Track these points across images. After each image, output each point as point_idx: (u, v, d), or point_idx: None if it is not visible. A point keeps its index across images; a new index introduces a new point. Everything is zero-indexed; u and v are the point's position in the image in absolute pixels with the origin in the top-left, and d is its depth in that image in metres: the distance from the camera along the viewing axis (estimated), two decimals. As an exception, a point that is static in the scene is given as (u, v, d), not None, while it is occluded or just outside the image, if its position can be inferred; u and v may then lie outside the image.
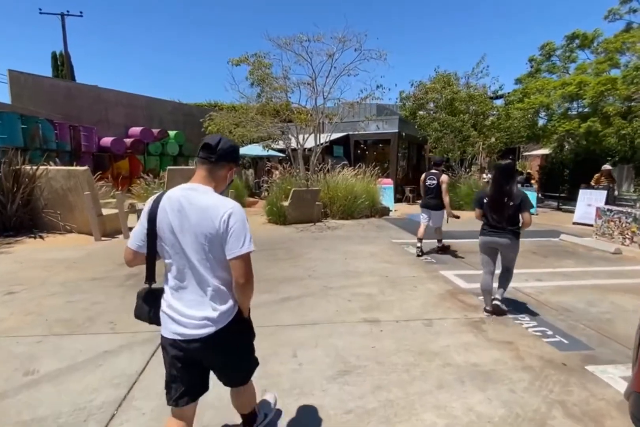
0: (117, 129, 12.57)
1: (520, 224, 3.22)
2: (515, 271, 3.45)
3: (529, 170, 19.78)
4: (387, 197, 11.62)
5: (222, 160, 1.40)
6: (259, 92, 10.01)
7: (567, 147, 14.21)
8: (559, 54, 16.82)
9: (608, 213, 7.09)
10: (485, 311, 3.38)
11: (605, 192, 9.01)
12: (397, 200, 14.35)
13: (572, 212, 10.50)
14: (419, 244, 5.64)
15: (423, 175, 5.79)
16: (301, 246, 6.13)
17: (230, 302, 1.39)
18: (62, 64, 24.90)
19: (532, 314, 3.38)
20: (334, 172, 9.95)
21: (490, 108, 12.66)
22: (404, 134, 14.74)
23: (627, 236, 6.62)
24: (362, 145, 16.04)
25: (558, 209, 13.30)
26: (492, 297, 3.34)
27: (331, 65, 9.45)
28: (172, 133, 13.54)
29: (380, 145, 15.79)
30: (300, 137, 10.27)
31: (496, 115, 12.95)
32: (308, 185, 9.20)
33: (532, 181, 16.65)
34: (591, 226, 8.86)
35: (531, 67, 17.49)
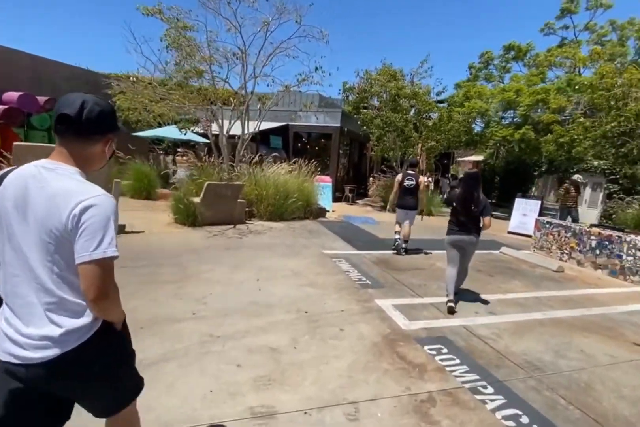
0: (-17, 92, 9.64)
1: (481, 225, 3.71)
2: (464, 294, 3.94)
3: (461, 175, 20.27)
4: (325, 197, 10.55)
5: (91, 133, 1.06)
6: (177, 61, 8.13)
7: (502, 153, 14.50)
8: (496, 63, 17.36)
9: (547, 226, 6.77)
10: (448, 301, 3.61)
11: (539, 203, 8.93)
12: (336, 200, 13.42)
13: (504, 219, 10.49)
14: (398, 236, 5.86)
15: (399, 176, 5.90)
16: (203, 259, 4.67)
17: (86, 319, 1.04)
18: None
19: (497, 381, 2.42)
20: (266, 165, 8.53)
21: (433, 108, 12.24)
22: (346, 129, 13.80)
23: (565, 251, 6.32)
24: (302, 139, 14.79)
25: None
26: (449, 298, 3.64)
27: (265, 38, 7.97)
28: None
29: (322, 140, 14.70)
30: (226, 122, 8.65)
31: (438, 117, 12.59)
32: (230, 179, 7.68)
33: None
34: (526, 236, 8.73)
35: (470, 74, 17.84)
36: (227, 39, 7.90)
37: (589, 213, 11.78)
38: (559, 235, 6.48)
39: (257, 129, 8.78)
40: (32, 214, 0.99)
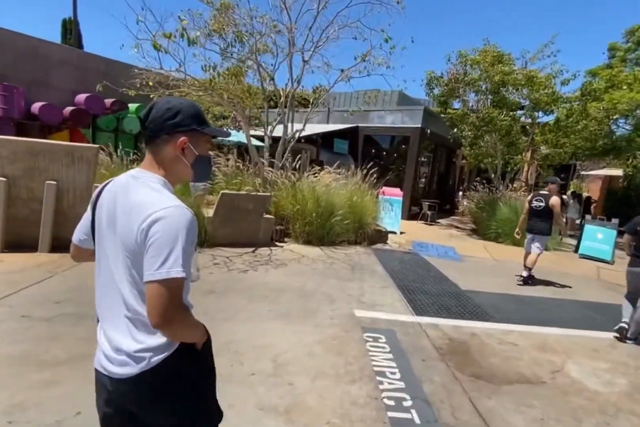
0: (61, 95, 9.97)
1: None
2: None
3: (587, 194, 15.40)
4: (392, 215, 8.25)
5: (157, 134, 0.98)
6: (225, 53, 6.77)
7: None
8: (654, 43, 12.66)
9: None
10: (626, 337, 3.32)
11: None
12: (410, 217, 10.90)
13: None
14: (524, 274, 5.04)
15: (530, 196, 5.36)
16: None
17: (164, 338, 0.94)
18: (70, 32, 23.24)
19: None
20: (318, 173, 6.65)
21: (557, 101, 8.91)
22: (428, 131, 11.22)
23: None
24: (375, 143, 12.64)
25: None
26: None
27: (317, 11, 6.11)
28: (133, 106, 10.76)
29: (398, 144, 12.33)
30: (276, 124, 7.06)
31: (564, 112, 9.13)
32: (259, 189, 6.02)
33: (592, 207, 12.64)
34: None
35: (610, 57, 13.42)
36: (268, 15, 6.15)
37: None
38: None
39: (302, 130, 6.94)
40: (118, 226, 0.95)
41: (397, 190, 8.45)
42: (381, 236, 6.75)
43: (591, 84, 8.97)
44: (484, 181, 10.99)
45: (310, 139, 11.12)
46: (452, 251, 6.69)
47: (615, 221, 8.65)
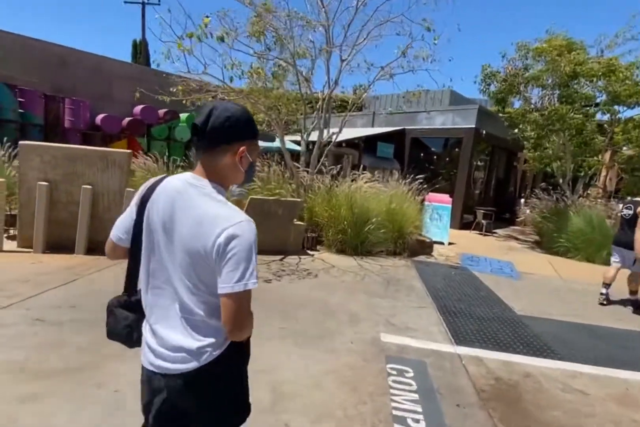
0: (121, 107, 10.79)
1: None
2: None
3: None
4: (440, 224, 7.55)
5: (217, 143, 0.99)
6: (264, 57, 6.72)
7: None
8: None
9: None
10: None
11: None
12: (463, 227, 10.00)
13: None
14: (603, 291, 4.42)
15: (621, 204, 5.06)
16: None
17: (220, 337, 1.02)
18: (140, 52, 25.58)
19: None
20: (359, 178, 6.24)
21: None
22: (483, 132, 10.24)
23: None
24: (424, 146, 11.88)
25: None
26: None
27: (356, 8, 5.77)
28: (183, 115, 11.32)
29: (450, 147, 11.44)
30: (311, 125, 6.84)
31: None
32: (292, 194, 5.78)
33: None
34: None
35: None
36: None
37: None
38: None
39: (338, 131, 6.59)
40: (177, 233, 0.98)
41: (446, 197, 7.70)
42: (425, 246, 6.12)
43: None
44: (550, 187, 9.73)
45: (352, 144, 10.76)
46: (509, 267, 5.83)
47: None
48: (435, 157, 11.87)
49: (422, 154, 12.00)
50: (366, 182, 5.98)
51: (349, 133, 11.55)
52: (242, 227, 0.93)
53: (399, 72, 6.27)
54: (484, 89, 9.48)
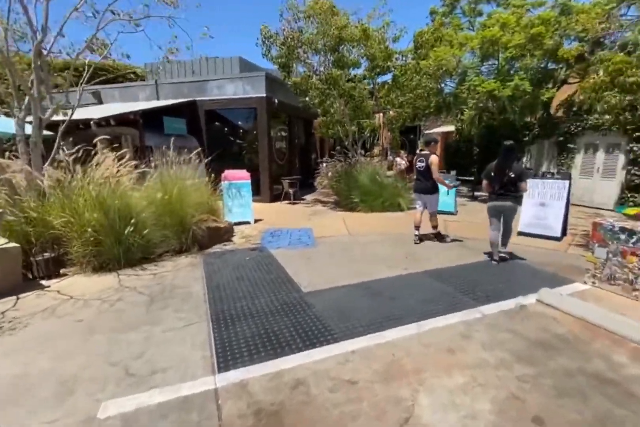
0: None
1: (519, 190, 4.24)
2: None
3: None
4: (242, 201, 6.90)
5: None
6: None
7: (484, 117, 11.18)
8: (464, 5, 13.83)
9: (623, 236, 3.46)
10: (493, 259, 4.37)
11: (566, 184, 5.65)
12: (274, 199, 9.81)
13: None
14: (416, 232, 5.32)
15: (415, 157, 5.48)
16: None
17: None
18: None
19: None
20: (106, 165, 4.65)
21: (393, 56, 8.70)
22: (276, 101, 10.02)
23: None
24: (221, 118, 10.84)
25: (473, 197, 10.33)
26: (498, 250, 4.36)
27: None
28: None
29: (247, 118, 10.82)
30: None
31: (399, 70, 9.05)
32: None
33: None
34: (548, 238, 5.53)
35: (432, 21, 14.26)
36: None
37: (602, 186, 8.81)
38: (657, 257, 3.19)
39: (73, 105, 4.80)
40: None
41: (243, 173, 7.06)
42: (221, 233, 5.35)
43: (421, 34, 9.02)
44: (344, 150, 10.54)
45: (130, 121, 8.68)
46: (306, 235, 5.77)
47: (453, 172, 9.18)
48: (237, 130, 11.05)
49: (225, 128, 10.99)
50: (123, 167, 4.54)
51: (122, 108, 9.31)
52: None
53: (140, 17, 4.86)
54: (266, 53, 9.04)
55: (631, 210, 5.37)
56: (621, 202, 8.25)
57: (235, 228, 6.28)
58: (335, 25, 7.97)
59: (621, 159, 8.51)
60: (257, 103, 9.70)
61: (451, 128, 14.95)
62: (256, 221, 6.98)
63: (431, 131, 17.50)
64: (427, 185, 5.17)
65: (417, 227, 5.30)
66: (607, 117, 8.39)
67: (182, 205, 4.68)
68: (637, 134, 8.05)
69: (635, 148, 8.16)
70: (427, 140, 5.38)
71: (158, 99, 10.73)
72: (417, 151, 13.61)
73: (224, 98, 10.05)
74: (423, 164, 5.11)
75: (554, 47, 8.53)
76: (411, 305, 3.19)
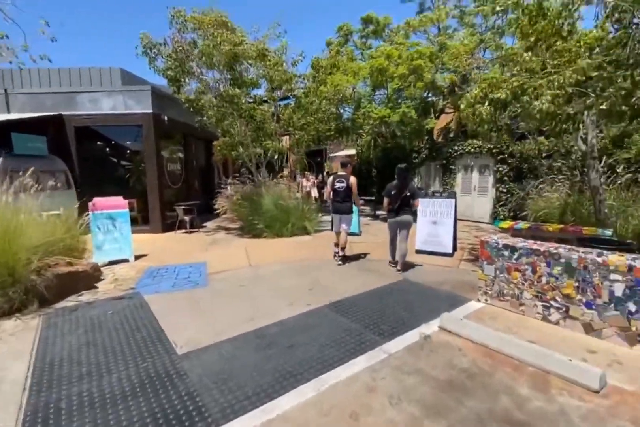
0: None
1: (412, 207, 4.85)
2: None
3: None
4: (113, 236, 5.69)
5: None
6: None
7: (379, 141, 11.89)
8: (356, 39, 15.04)
9: (506, 253, 3.59)
10: (393, 266, 4.95)
11: (452, 203, 6.02)
12: (168, 228, 8.60)
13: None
14: (336, 250, 5.46)
15: (331, 178, 5.55)
16: None
17: None
18: None
19: None
20: None
21: (292, 79, 8.63)
22: (165, 118, 9.02)
23: (553, 303, 3.19)
24: (97, 137, 9.28)
25: (374, 216, 10.72)
26: (395, 260, 4.95)
27: None
28: None
29: (132, 137, 9.48)
30: None
31: (301, 93, 9.06)
32: None
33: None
34: (442, 255, 5.75)
35: (329, 50, 15.12)
36: None
37: (480, 202, 9.99)
38: (533, 270, 3.34)
39: None
40: None
41: (119, 200, 5.89)
42: (79, 279, 4.16)
43: (318, 60, 9.22)
44: (248, 172, 9.95)
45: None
46: (198, 271, 4.93)
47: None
48: (121, 150, 9.59)
49: (104, 148, 9.43)
50: None
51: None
52: None
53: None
54: (151, 63, 8.11)
55: (505, 224, 5.93)
56: (494, 215, 9.38)
57: (108, 269, 5.10)
58: (228, 41, 7.56)
59: (490, 178, 9.76)
60: (143, 120, 8.58)
61: (353, 151, 15.69)
62: (139, 257, 5.83)
63: (336, 154, 18.18)
64: (347, 206, 5.37)
65: (336, 245, 5.46)
66: (475, 141, 9.62)
67: (11, 247, 3.47)
68: (501, 156, 9.32)
69: (500, 168, 9.42)
70: (343, 163, 5.68)
71: (9, 111, 8.75)
72: (325, 173, 13.59)
73: (100, 113, 8.66)
74: (343, 185, 5.31)
75: (433, 79, 9.56)
76: (311, 353, 2.69)
